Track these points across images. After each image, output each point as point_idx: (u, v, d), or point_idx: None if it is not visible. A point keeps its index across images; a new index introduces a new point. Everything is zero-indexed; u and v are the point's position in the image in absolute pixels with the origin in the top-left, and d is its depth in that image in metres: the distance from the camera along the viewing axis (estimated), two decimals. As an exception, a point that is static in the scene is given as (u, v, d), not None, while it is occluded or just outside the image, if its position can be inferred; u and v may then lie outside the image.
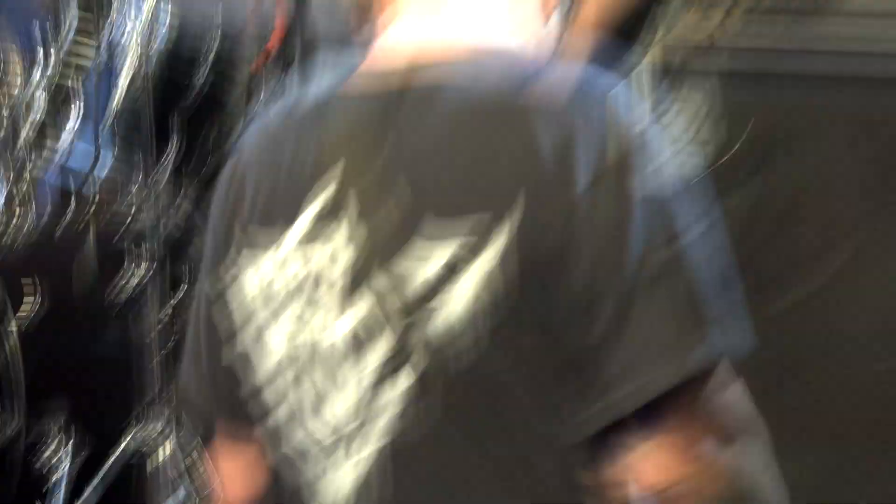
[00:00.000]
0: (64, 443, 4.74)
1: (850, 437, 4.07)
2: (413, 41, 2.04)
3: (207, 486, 3.43)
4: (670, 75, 3.78)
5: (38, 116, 4.69)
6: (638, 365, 1.79)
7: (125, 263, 4.47)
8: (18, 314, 4.75)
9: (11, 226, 4.74)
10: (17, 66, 4.85)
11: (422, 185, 1.93)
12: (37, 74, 4.63)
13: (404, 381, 2.02)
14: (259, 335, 2.14)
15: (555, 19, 2.24)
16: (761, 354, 1.87)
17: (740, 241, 2.15)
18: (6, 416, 4.78)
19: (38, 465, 4.75)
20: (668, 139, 2.01)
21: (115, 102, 4.56)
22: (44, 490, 4.79)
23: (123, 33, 4.64)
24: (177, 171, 4.51)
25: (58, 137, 4.64)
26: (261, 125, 2.25)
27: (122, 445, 4.41)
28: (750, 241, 3.35)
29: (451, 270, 1.90)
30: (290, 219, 2.04)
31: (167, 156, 4.42)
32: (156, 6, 4.54)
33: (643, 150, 1.83)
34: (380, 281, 1.98)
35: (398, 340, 1.99)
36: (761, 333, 1.83)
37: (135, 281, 4.47)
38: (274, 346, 2.14)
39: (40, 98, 4.65)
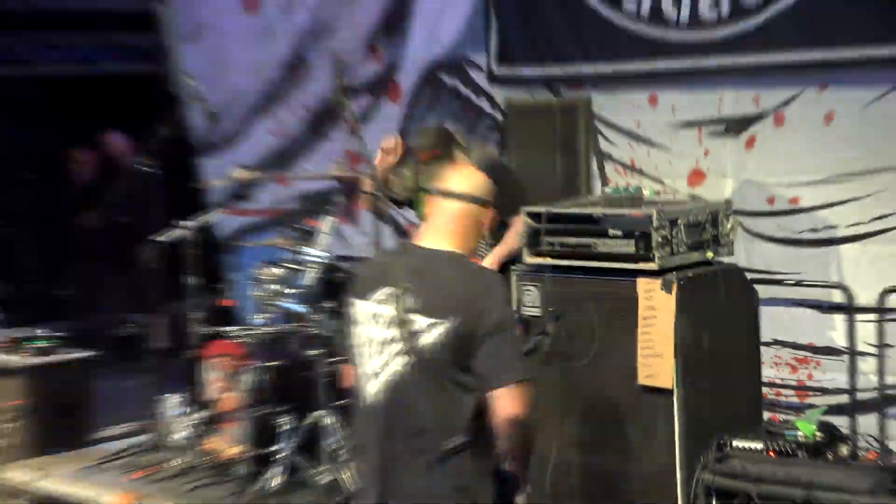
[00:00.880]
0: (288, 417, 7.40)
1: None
2: (428, 240, 4.77)
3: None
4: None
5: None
6: (505, 372, 4.54)
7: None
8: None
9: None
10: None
11: (421, 294, 4.59)
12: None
13: (403, 359, 4.57)
14: (356, 327, 4.77)
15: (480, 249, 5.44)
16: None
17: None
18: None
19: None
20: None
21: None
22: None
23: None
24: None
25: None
26: (377, 255, 5.61)
27: (309, 419, 7.30)
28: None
29: (430, 326, 4.52)
30: (369, 294, 4.72)
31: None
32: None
33: (502, 293, 4.74)
34: (402, 322, 4.60)
35: (404, 344, 4.57)
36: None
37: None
38: (359, 333, 4.77)
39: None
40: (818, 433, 5.62)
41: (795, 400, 7.63)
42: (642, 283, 5.97)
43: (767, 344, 7.38)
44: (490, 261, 7.03)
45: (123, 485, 7.77)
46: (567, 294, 6.26)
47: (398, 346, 4.69)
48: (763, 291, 6.67)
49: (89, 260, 12.45)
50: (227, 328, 8.04)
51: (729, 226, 6.28)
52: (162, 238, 8.61)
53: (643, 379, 5.94)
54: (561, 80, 8.65)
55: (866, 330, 7.20)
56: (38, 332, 9.11)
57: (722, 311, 6.04)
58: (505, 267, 6.99)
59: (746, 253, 7.59)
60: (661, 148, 8.26)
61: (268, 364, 7.52)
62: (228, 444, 7.67)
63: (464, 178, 4.95)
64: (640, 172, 8.32)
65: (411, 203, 7.75)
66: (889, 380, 7.14)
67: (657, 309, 5.90)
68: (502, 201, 7.36)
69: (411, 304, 4.68)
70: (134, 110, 12.08)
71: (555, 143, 8.14)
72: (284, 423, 7.47)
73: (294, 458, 7.37)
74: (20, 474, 8.28)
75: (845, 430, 6.27)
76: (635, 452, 6.04)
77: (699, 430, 5.88)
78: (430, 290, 4.70)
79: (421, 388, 4.65)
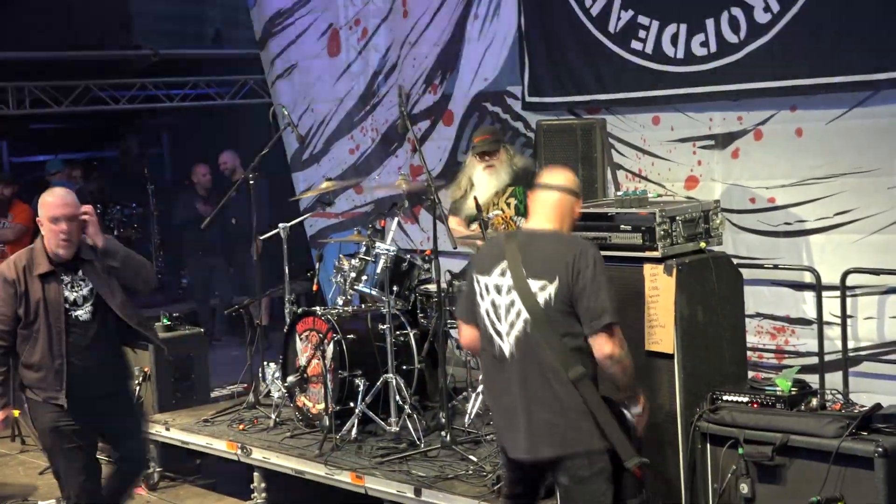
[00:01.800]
0: (362, 379, 7.42)
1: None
2: (532, 224, 5.10)
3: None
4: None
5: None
6: (598, 318, 4.77)
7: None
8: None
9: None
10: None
11: (530, 263, 4.89)
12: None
13: (527, 314, 4.85)
14: (482, 299, 5.01)
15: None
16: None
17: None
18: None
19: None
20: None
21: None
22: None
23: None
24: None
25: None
26: (491, 240, 5.68)
27: (379, 381, 7.34)
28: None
29: (541, 288, 4.85)
30: (491, 270, 4.99)
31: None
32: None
33: (594, 254, 4.89)
34: (519, 289, 4.87)
35: (524, 304, 4.85)
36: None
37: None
38: (485, 302, 5.00)
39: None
40: (793, 388, 5.58)
41: (774, 361, 7.68)
42: (648, 268, 5.92)
43: (751, 316, 7.40)
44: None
45: (230, 435, 7.81)
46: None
47: (518, 308, 4.86)
48: (747, 274, 6.64)
49: (206, 254, 12.51)
50: (315, 308, 8.05)
51: (718, 221, 6.23)
52: (264, 236, 8.68)
53: (649, 345, 5.89)
54: (580, 106, 8.73)
55: (831, 304, 7.20)
56: (164, 312, 9.13)
57: (713, 290, 5.98)
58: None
59: (733, 243, 7.64)
60: (662, 159, 8.29)
61: (347, 336, 7.51)
62: (314, 402, 7.67)
63: (557, 174, 5.14)
64: (646, 179, 8.37)
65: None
66: (850, 344, 7.15)
67: (660, 289, 5.85)
68: None
69: (523, 272, 4.84)
70: (243, 134, 12.13)
71: (576, 156, 8.09)
72: (360, 384, 7.48)
73: (368, 413, 7.39)
74: (149, 426, 8.20)
75: (815, 386, 6.24)
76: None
77: (695, 387, 5.81)
78: (536, 259, 4.87)
79: (543, 337, 4.82)
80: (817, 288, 7.17)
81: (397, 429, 7.25)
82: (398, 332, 7.57)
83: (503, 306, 4.93)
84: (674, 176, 8.19)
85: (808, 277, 7.42)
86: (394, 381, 7.31)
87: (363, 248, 7.75)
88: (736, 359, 6.13)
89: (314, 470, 7.02)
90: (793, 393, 5.53)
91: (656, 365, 5.89)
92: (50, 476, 8.02)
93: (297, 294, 8.68)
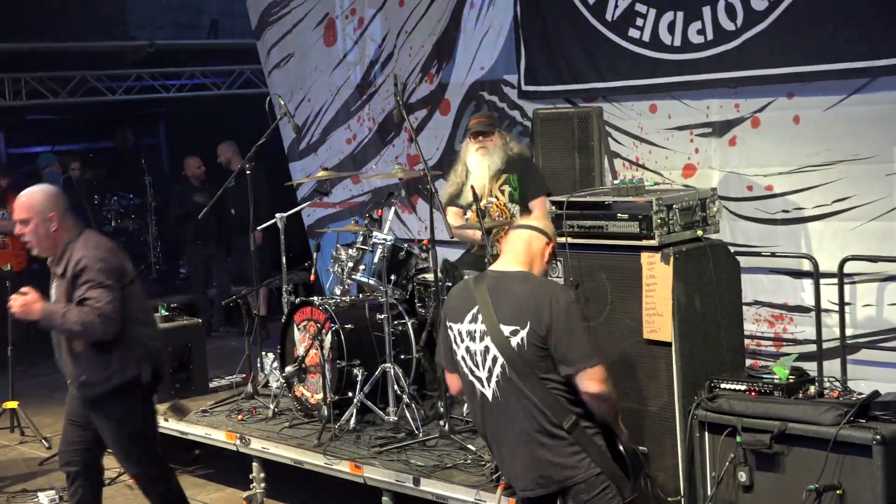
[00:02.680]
0: (360, 369, 7.35)
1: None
2: (502, 265, 4.87)
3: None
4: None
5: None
6: (581, 362, 4.62)
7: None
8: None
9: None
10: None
11: (501, 308, 4.70)
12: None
13: (501, 362, 4.68)
14: (457, 346, 4.84)
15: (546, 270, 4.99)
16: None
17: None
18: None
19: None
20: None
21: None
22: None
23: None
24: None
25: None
26: (461, 284, 5.17)
27: (377, 371, 7.23)
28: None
29: (512, 333, 4.65)
30: (462, 317, 4.80)
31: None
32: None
33: (565, 296, 4.71)
34: (492, 334, 4.69)
35: (499, 350, 4.68)
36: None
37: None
38: (461, 350, 4.83)
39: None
40: (791, 376, 5.53)
41: (772, 349, 7.68)
42: (645, 257, 5.89)
43: (749, 304, 7.43)
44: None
45: (229, 425, 7.76)
46: (583, 266, 6.14)
47: (493, 353, 4.73)
48: (745, 262, 6.62)
49: (204, 244, 12.51)
50: (312, 298, 8.01)
51: (715, 209, 6.20)
52: (261, 226, 8.65)
53: (647, 334, 5.86)
54: (577, 94, 8.75)
55: (829, 291, 7.19)
56: (162, 302, 9.08)
57: (710, 278, 5.95)
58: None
59: (731, 230, 7.66)
60: (659, 147, 8.31)
61: (344, 326, 7.48)
62: (313, 392, 7.64)
63: (531, 218, 5.22)
64: (643, 167, 8.40)
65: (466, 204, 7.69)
66: (848, 332, 7.16)
67: (657, 277, 5.83)
68: (533, 191, 7.63)
69: (494, 317, 4.71)
70: (240, 125, 12.11)
71: (573, 145, 8.10)
72: (358, 373, 7.46)
73: (366, 402, 7.38)
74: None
75: (813, 374, 6.21)
76: (642, 394, 5.93)
77: (693, 375, 5.78)
78: (506, 303, 4.74)
79: (523, 381, 4.69)
80: (815, 275, 7.17)
81: (395, 418, 7.22)
82: (396, 322, 7.52)
83: (479, 352, 4.80)
84: (671, 164, 8.21)
85: (805, 265, 7.44)
86: (392, 371, 7.28)
87: (360, 238, 7.72)
88: (734, 347, 6.11)
89: (313, 460, 6.99)
90: (791, 381, 5.50)
91: (654, 353, 5.87)
92: (49, 466, 8.21)
93: (294, 284, 8.61)
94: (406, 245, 7.77)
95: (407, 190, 9.42)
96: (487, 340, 4.74)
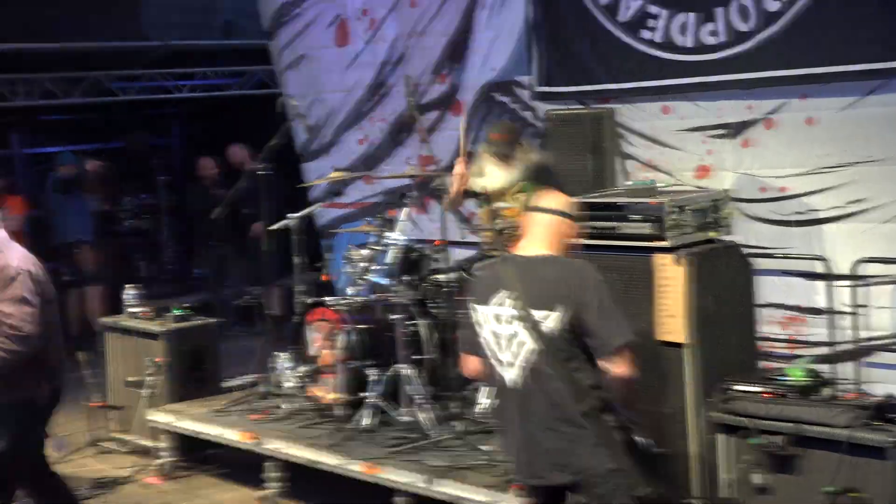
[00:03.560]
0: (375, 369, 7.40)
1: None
2: (527, 249, 4.81)
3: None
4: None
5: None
6: (611, 341, 4.61)
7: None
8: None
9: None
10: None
11: (529, 291, 4.68)
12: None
13: (531, 344, 4.63)
14: (481, 328, 4.79)
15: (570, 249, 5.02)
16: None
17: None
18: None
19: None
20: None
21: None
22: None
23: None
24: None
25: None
26: (484, 266, 5.63)
27: (391, 371, 7.37)
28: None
29: (544, 318, 4.62)
30: (488, 299, 4.76)
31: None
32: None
33: (595, 277, 4.71)
34: (521, 318, 4.64)
35: (528, 334, 4.64)
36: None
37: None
38: (486, 333, 4.78)
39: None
40: (805, 378, 5.52)
41: (786, 351, 7.60)
42: (658, 259, 5.89)
43: (763, 306, 7.30)
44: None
45: (244, 425, 7.79)
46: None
47: (523, 338, 4.68)
48: (759, 263, 6.60)
49: (217, 245, 12.52)
50: (326, 298, 8.01)
51: (728, 210, 6.19)
52: (274, 227, 8.63)
53: (661, 335, 5.85)
54: (590, 95, 8.66)
55: (843, 293, 7.14)
56: (176, 303, 9.14)
57: (723, 280, 5.95)
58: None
59: (744, 232, 7.57)
60: (672, 148, 8.19)
61: (358, 326, 7.49)
62: (327, 392, 7.67)
63: (551, 198, 4.94)
64: (655, 168, 8.26)
65: (477, 195, 7.63)
66: (863, 333, 7.08)
67: (670, 279, 5.82)
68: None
69: (524, 302, 4.66)
70: (252, 126, 12.11)
71: (586, 146, 8.09)
72: (372, 373, 7.46)
73: (380, 402, 7.38)
74: (162, 416, 8.32)
75: (827, 376, 6.17)
76: (655, 396, 5.91)
77: (707, 377, 5.78)
78: (536, 287, 4.69)
79: (548, 367, 4.64)
80: (829, 277, 7.12)
81: (409, 419, 7.23)
82: (409, 322, 7.52)
83: (504, 336, 4.77)
84: (684, 165, 8.11)
85: (819, 267, 7.37)
86: (405, 372, 7.29)
87: (373, 239, 7.71)
88: (747, 348, 6.12)
89: (327, 460, 7.01)
90: (805, 383, 5.50)
91: (668, 355, 5.88)
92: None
93: (308, 284, 8.60)
94: (419, 245, 7.79)
95: (419, 190, 9.39)
96: (516, 325, 4.70)
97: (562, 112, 8.49)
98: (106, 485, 8.08)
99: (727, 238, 6.25)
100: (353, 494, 7.13)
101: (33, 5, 13.05)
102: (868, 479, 5.02)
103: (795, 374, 5.55)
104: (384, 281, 7.61)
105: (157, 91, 14.47)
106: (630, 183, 6.45)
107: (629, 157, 8.47)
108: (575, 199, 6.15)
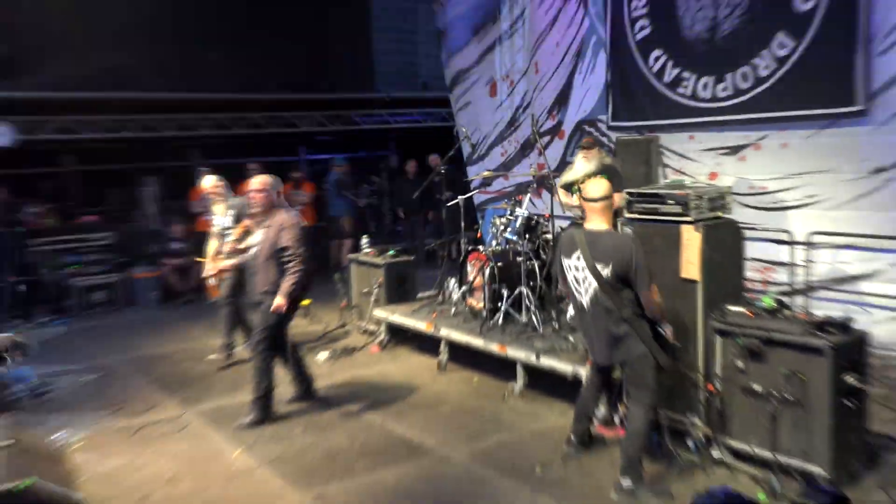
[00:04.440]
0: (506, 290, 7.62)
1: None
2: (592, 225, 4.82)
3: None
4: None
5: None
6: (647, 282, 4.67)
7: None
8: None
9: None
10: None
11: (595, 252, 4.73)
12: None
13: (594, 285, 4.75)
14: (568, 271, 4.82)
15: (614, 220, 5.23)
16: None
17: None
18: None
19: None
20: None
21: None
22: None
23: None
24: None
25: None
26: (568, 232, 4.93)
27: (515, 291, 7.58)
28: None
29: (603, 267, 4.68)
30: (570, 254, 4.79)
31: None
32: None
33: (636, 245, 4.70)
34: (589, 269, 4.69)
35: (594, 277, 4.75)
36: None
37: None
38: (570, 274, 4.82)
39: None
40: (773, 304, 5.34)
41: (761, 288, 7.42)
42: (684, 228, 5.71)
43: (747, 259, 7.11)
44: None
45: (427, 318, 7.78)
46: (645, 233, 5.86)
47: (591, 279, 4.69)
48: (746, 234, 6.40)
49: (414, 213, 12.60)
50: (479, 246, 7.95)
51: (728, 200, 5.99)
52: (450, 203, 8.58)
53: (683, 274, 5.69)
54: (643, 128, 8.59)
55: (799, 253, 7.03)
56: (390, 248, 9.10)
57: (725, 242, 5.74)
58: (615, 217, 6.77)
59: (738, 214, 7.36)
60: (694, 161, 8.13)
61: (497, 264, 7.39)
62: (478, 302, 7.61)
63: (596, 188, 4.85)
64: (683, 173, 8.19)
65: (571, 186, 7.55)
66: (811, 279, 6.96)
67: (691, 240, 5.66)
68: (616, 186, 7.47)
69: (591, 258, 4.67)
70: (439, 144, 12.15)
71: (641, 159, 8.03)
72: (504, 292, 7.36)
73: (509, 309, 7.28)
74: (381, 312, 8.35)
75: (787, 303, 5.98)
76: (678, 312, 5.73)
77: (711, 301, 5.57)
78: (598, 250, 4.69)
79: (605, 295, 4.67)
80: (790, 243, 6.93)
81: (526, 319, 7.13)
82: (528, 262, 7.39)
83: (581, 279, 4.77)
84: (701, 172, 8.01)
85: (785, 237, 7.18)
86: (525, 291, 7.20)
87: (508, 212, 7.63)
88: (737, 285, 5.92)
89: (476, 342, 6.98)
90: (774, 307, 5.32)
91: (687, 287, 5.68)
92: (327, 338, 8.22)
93: (468, 239, 8.61)
94: (536, 216, 7.64)
95: (537, 184, 9.34)
96: (586, 272, 4.71)
97: (626, 138, 8.40)
98: (351, 351, 8.18)
99: (727, 217, 6.07)
100: (492, 364, 7.11)
101: (314, 74, 13.34)
102: (810, 368, 4.87)
103: (767, 301, 5.37)
104: (513, 237, 7.52)
105: (382, 123, 14.65)
106: (667, 181, 6.31)
107: (667, 166, 8.35)
108: (632, 190, 6.16)
